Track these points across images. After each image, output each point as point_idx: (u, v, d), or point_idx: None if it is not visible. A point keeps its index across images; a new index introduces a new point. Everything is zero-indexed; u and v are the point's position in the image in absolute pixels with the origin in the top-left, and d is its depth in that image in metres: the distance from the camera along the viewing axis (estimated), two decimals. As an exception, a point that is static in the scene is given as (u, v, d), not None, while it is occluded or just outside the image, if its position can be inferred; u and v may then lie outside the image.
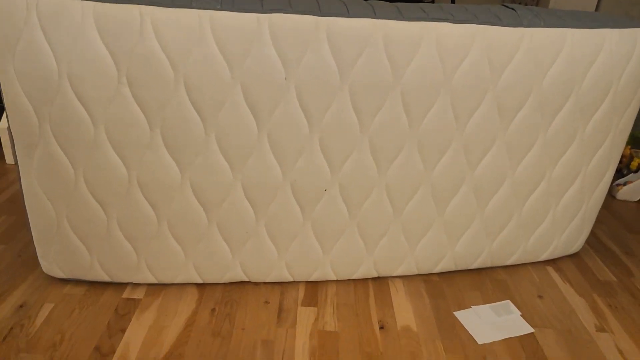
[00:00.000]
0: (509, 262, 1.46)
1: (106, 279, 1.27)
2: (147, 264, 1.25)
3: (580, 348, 1.19)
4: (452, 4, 1.16)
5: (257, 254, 1.27)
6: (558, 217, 1.40)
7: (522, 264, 1.49)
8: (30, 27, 0.97)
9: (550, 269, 1.48)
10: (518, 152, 1.25)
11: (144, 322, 1.19)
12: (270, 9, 1.01)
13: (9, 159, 1.94)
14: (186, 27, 0.99)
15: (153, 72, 1.01)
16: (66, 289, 1.28)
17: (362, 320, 1.24)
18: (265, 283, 1.34)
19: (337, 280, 1.37)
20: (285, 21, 1.01)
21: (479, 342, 1.19)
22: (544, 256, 1.48)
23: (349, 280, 1.38)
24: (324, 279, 1.35)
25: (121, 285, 1.30)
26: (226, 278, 1.30)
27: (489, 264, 1.44)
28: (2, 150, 2.02)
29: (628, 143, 2.11)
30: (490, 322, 1.26)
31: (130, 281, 1.28)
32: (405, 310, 1.28)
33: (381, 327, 1.22)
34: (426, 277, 1.41)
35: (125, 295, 1.27)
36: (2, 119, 1.98)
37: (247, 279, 1.32)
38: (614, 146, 1.34)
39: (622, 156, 2.10)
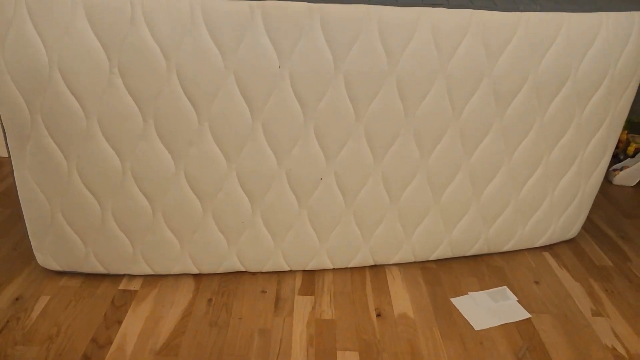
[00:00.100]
0: (505, 249, 1.46)
1: (102, 270, 1.27)
2: (143, 255, 1.24)
3: (576, 333, 1.20)
4: (447, -11, 1.14)
5: (254, 243, 1.26)
6: (555, 202, 1.40)
7: (519, 250, 1.50)
8: (19, 18, 0.95)
9: (547, 254, 1.49)
10: (514, 137, 1.24)
11: (141, 313, 1.19)
12: (262, -4, 1.00)
13: (2, 151, 1.93)
14: (178, 15, 0.98)
15: (145, 62, 1.00)
16: (62, 281, 1.27)
17: (359, 308, 1.24)
18: (262, 272, 1.34)
19: (333, 269, 1.37)
20: (278, 8, 1.00)
21: (476, 328, 1.20)
22: (541, 242, 1.48)
23: (345, 268, 1.38)
24: (321, 268, 1.35)
25: (117, 277, 1.30)
26: (223, 268, 1.30)
27: (485, 251, 1.44)
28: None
29: (624, 128, 2.10)
30: (487, 308, 1.26)
31: (126, 273, 1.28)
32: (402, 298, 1.28)
33: (378, 315, 1.22)
34: (423, 265, 1.41)
35: (121, 286, 1.27)
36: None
37: (243, 269, 1.32)
38: (611, 131, 1.34)
39: (619, 141, 2.09)
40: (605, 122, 1.31)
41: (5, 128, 1.07)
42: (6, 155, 1.94)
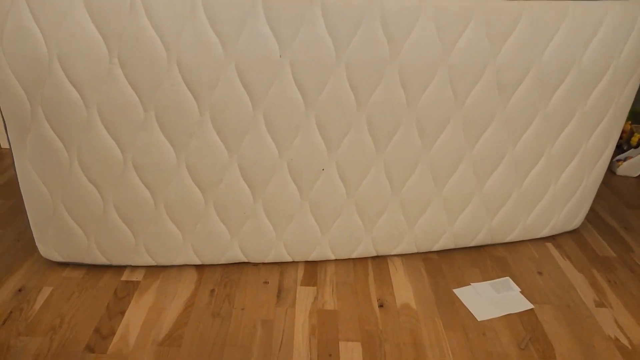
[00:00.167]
0: (508, 239, 1.45)
1: (104, 261, 1.27)
2: (145, 246, 1.24)
3: (579, 323, 1.19)
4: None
5: (256, 234, 1.26)
6: (558, 193, 1.40)
7: (522, 241, 1.49)
8: (17, 7, 0.94)
9: (549, 245, 1.48)
10: (518, 128, 1.24)
11: (144, 304, 1.19)
12: (263, -15, 0.99)
13: (4, 143, 1.93)
14: (177, 4, 0.97)
15: (145, 52, 0.99)
16: (65, 272, 1.27)
17: (362, 299, 1.24)
18: (264, 263, 1.34)
19: (336, 260, 1.37)
20: (278, -3, 0.99)
21: (479, 319, 1.19)
22: (544, 233, 1.48)
23: (348, 259, 1.37)
24: (323, 259, 1.35)
25: (120, 268, 1.30)
26: (225, 259, 1.30)
27: (488, 241, 1.44)
28: (-3, 134, 2.00)
29: (628, 118, 2.09)
30: (490, 298, 1.26)
31: (128, 264, 1.28)
32: (404, 289, 1.28)
33: (380, 306, 1.22)
34: (425, 256, 1.41)
35: (124, 277, 1.27)
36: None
37: (246, 260, 1.32)
38: (615, 121, 1.33)
39: (622, 132, 2.08)
40: (609, 112, 1.29)
41: (5, 119, 1.07)
42: (7, 146, 1.94)
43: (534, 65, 1.15)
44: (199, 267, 1.32)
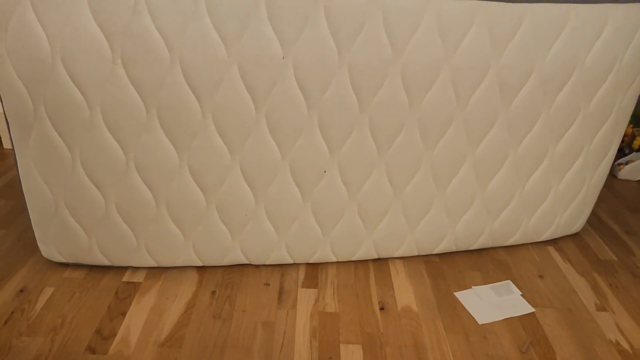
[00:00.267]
0: (509, 242, 1.45)
1: (106, 262, 1.27)
2: (147, 247, 1.24)
3: (580, 327, 1.19)
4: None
5: (257, 236, 1.26)
6: (559, 196, 1.39)
7: (523, 244, 1.49)
8: (21, 6, 0.94)
9: (551, 248, 1.48)
10: (520, 130, 1.24)
11: (145, 305, 1.19)
12: (266, -14, 0.99)
13: (6, 143, 1.93)
14: (180, 4, 0.97)
15: (148, 51, 0.99)
16: (66, 273, 1.27)
17: (363, 301, 1.24)
18: (265, 265, 1.34)
19: (337, 262, 1.37)
20: (282, -2, 0.99)
21: (480, 322, 1.19)
22: (545, 236, 1.48)
23: (349, 261, 1.37)
24: (324, 261, 1.35)
25: (121, 269, 1.30)
26: (226, 261, 1.30)
27: (489, 244, 1.43)
28: (0, 135, 2.00)
29: (630, 122, 2.09)
30: (491, 302, 1.25)
31: (130, 265, 1.28)
32: (405, 291, 1.28)
33: (382, 308, 1.22)
34: (426, 258, 1.41)
35: (125, 278, 1.27)
36: (-2, 103, 1.96)
37: (247, 262, 1.31)
38: (617, 124, 1.32)
39: (624, 135, 2.08)
40: (611, 115, 1.29)
41: (8, 118, 1.07)
42: (9, 147, 1.94)
43: (537, 67, 1.15)
44: (200, 269, 1.31)
